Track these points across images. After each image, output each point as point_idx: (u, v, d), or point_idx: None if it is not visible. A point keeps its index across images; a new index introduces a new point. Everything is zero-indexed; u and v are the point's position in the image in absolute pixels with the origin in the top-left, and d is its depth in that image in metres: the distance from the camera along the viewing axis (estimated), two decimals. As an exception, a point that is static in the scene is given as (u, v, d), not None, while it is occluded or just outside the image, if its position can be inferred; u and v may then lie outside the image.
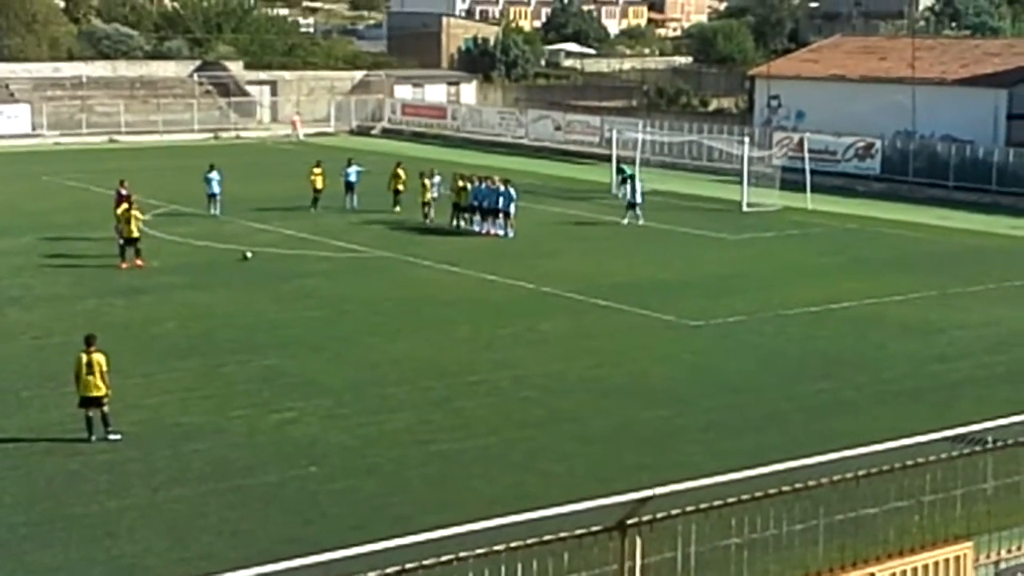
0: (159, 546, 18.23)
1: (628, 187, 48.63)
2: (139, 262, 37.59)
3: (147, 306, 33.24)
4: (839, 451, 13.76)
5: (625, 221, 47.16)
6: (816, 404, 25.46)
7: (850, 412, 24.81)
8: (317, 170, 49.44)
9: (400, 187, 49.15)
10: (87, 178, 57.08)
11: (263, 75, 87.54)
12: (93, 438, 22.30)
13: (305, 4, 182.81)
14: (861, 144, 60.19)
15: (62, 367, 26.91)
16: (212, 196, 47.43)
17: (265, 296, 34.70)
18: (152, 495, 20.09)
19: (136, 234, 37.82)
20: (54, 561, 17.70)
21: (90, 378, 22.24)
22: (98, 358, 22.40)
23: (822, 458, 13.37)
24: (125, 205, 38.92)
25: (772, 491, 12.84)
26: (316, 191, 48.94)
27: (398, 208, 48.60)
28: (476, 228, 44.60)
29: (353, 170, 50.01)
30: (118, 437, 22.37)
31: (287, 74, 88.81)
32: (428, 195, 46.32)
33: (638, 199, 47.43)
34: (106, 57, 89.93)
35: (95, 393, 22.30)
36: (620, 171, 53.94)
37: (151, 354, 28.46)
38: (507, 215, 43.93)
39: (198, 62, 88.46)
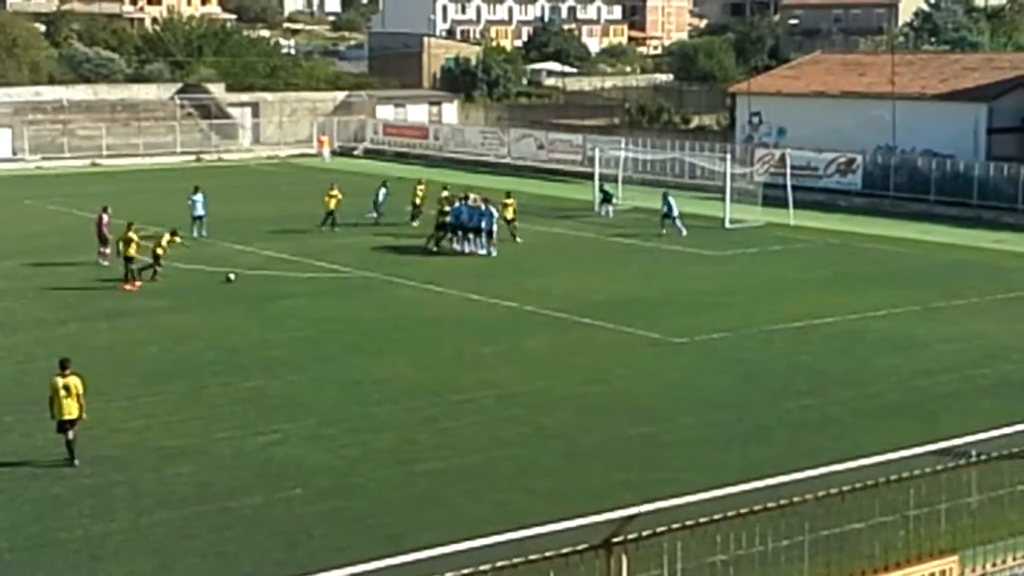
0: (144, 569, 18.16)
1: (662, 202, 49.65)
2: (135, 284, 37.94)
3: (130, 329, 33.15)
4: (824, 466, 13.77)
5: (664, 231, 48.37)
6: (801, 420, 25.50)
7: (835, 427, 24.85)
8: (333, 192, 49.66)
9: (417, 202, 49.95)
10: (69, 202, 56.98)
11: (244, 97, 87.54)
12: (77, 461, 22.23)
13: (286, 26, 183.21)
14: (842, 160, 60.42)
15: (45, 392, 26.84)
16: (197, 218, 47.38)
17: (248, 318, 34.65)
18: (137, 519, 20.02)
19: (133, 254, 38.14)
20: (38, 586, 17.63)
21: (67, 401, 22.19)
22: (74, 381, 22.38)
23: (807, 473, 13.38)
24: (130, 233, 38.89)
25: (758, 507, 12.83)
26: (329, 212, 49.15)
27: (415, 223, 49.10)
28: (457, 247, 44.58)
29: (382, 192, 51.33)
30: (77, 463, 22.28)
31: (269, 96, 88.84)
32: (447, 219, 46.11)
33: (675, 212, 48.46)
34: (87, 81, 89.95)
35: (73, 416, 22.25)
36: (603, 191, 54.23)
37: (135, 377, 28.38)
38: (489, 234, 43.96)
39: (179, 85, 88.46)
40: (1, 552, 18.74)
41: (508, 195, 48.65)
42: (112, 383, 27.76)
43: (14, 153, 75.63)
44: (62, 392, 22.22)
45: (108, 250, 40.96)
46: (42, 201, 58.12)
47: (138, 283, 38.07)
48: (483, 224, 43.93)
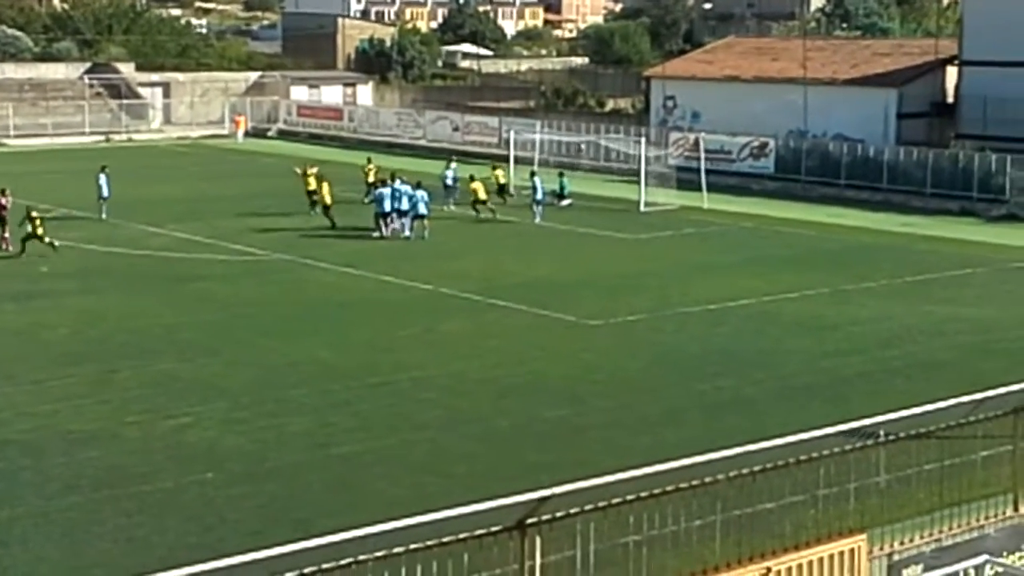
0: (52, 555, 17.90)
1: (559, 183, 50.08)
2: None
3: (38, 311, 32.60)
4: (736, 447, 13.90)
5: (538, 220, 47.55)
6: (714, 401, 25.72)
7: (747, 408, 25.10)
8: (312, 170, 48.59)
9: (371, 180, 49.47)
10: (-25, 182, 55.88)
11: (155, 77, 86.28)
12: None
13: (198, 5, 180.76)
14: (755, 144, 60.95)
15: (-50, 375, 26.42)
16: (103, 199, 46.66)
17: (159, 300, 34.24)
18: (45, 503, 19.71)
19: None
20: (-57, 574, 17.31)
21: None
22: None
23: (719, 454, 13.51)
24: None
25: (670, 488, 12.93)
26: (310, 193, 47.46)
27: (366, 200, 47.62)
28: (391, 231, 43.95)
29: (452, 170, 51.38)
30: None
31: (180, 76, 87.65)
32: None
33: (539, 195, 47.94)
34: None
35: None
36: (561, 184, 52.85)
37: (43, 360, 27.94)
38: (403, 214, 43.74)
39: (88, 64, 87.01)
40: (-96, 539, 18.37)
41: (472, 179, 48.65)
42: (20, 366, 27.34)
43: (-83, 132, 74.04)
44: None
45: (8, 234, 40.24)
46: (-53, 181, 56.90)
47: None
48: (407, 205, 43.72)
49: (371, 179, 50.04)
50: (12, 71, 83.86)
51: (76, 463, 21.53)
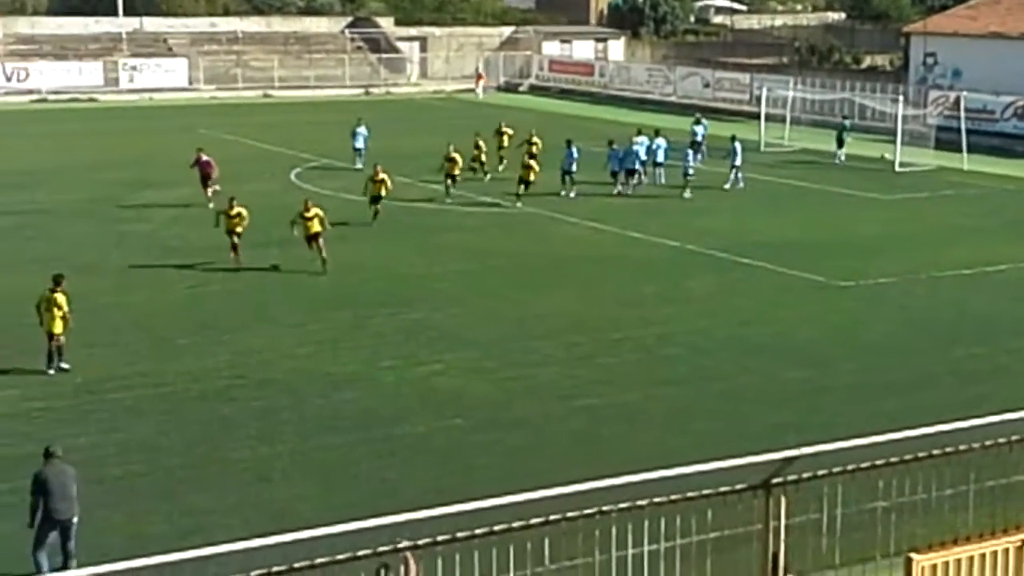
0: (309, 492, 18.68)
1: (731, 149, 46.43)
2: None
3: (299, 259, 33.75)
4: (991, 415, 13.49)
5: (727, 186, 45.43)
6: (968, 368, 24.97)
7: (1005, 377, 24.30)
8: (505, 129, 49.46)
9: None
10: (243, 131, 58.28)
11: (413, 31, 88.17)
12: (51, 371, 23.57)
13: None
14: (1021, 103, 58.51)
15: (217, 316, 27.83)
16: (358, 151, 48.14)
17: (412, 250, 35.13)
18: (304, 442, 20.58)
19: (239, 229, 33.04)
20: (210, 503, 18.27)
21: (48, 314, 23.51)
22: (59, 298, 23.57)
23: (974, 422, 13.12)
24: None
25: (922, 455, 12.63)
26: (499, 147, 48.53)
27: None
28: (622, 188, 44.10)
29: (703, 126, 51.61)
30: (67, 367, 23.62)
31: (436, 30, 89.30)
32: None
33: (737, 161, 45.35)
34: (260, 13, 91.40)
35: (55, 331, 23.57)
36: (842, 128, 52.68)
37: (303, 304, 29.09)
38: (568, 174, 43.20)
39: (350, 18, 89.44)
40: (173, 469, 19.47)
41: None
42: (281, 309, 28.53)
43: (190, 83, 77.50)
44: (44, 305, 23.63)
45: (211, 191, 40.71)
46: (217, 131, 59.43)
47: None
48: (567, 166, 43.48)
49: (504, 145, 48.75)
50: (278, 24, 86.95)
51: (333, 404, 22.38)
